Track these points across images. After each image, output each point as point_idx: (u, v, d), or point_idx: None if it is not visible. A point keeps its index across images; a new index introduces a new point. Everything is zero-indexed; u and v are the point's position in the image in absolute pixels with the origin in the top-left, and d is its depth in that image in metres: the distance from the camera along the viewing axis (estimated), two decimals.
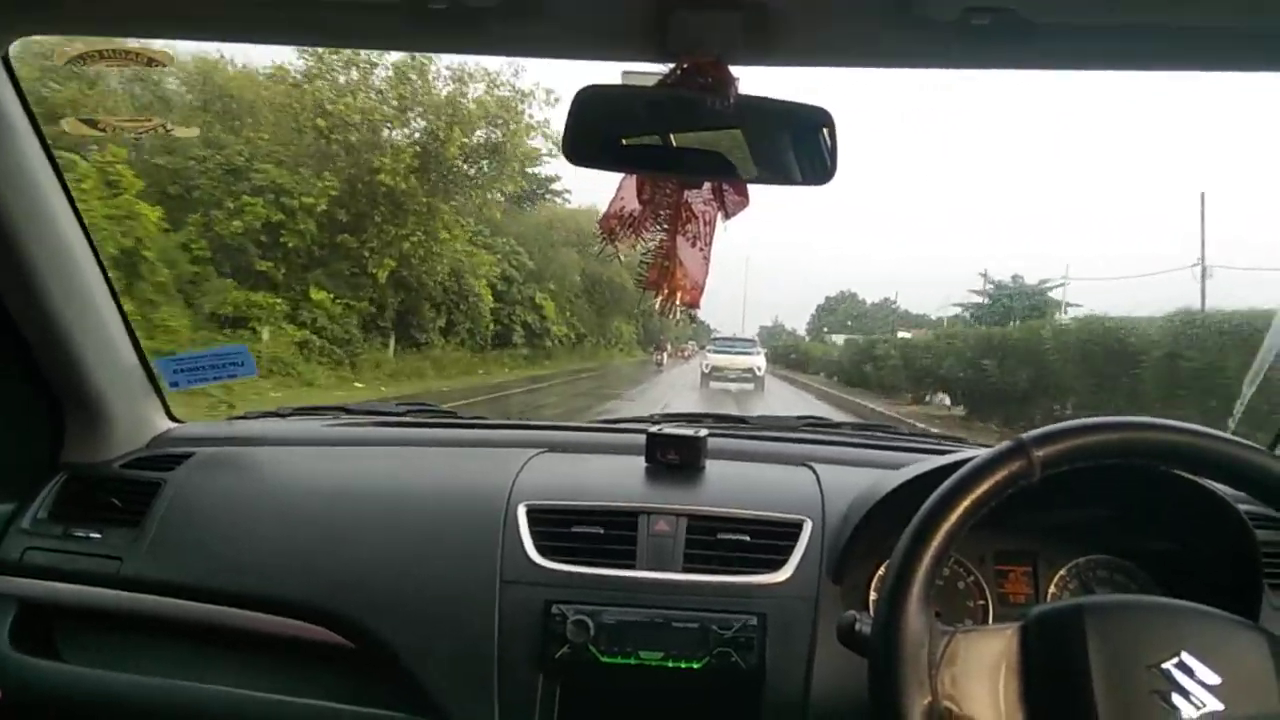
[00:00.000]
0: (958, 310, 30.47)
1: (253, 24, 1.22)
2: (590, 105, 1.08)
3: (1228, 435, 0.91)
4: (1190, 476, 1.15)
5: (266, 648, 1.35)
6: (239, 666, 1.37)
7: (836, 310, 72.92)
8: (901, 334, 27.80)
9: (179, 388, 1.66)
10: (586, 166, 1.13)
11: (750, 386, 21.84)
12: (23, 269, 1.36)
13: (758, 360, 23.79)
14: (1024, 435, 0.90)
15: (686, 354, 39.90)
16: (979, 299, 28.99)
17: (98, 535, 1.44)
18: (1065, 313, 24.83)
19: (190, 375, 1.65)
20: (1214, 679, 0.84)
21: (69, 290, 1.44)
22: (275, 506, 1.46)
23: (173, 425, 1.71)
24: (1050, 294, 27.52)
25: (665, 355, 32.67)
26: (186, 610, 1.36)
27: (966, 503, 0.89)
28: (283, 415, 1.87)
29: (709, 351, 24.76)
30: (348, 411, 1.88)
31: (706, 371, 22.61)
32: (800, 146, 1.12)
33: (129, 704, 1.34)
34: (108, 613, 1.39)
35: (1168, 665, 0.85)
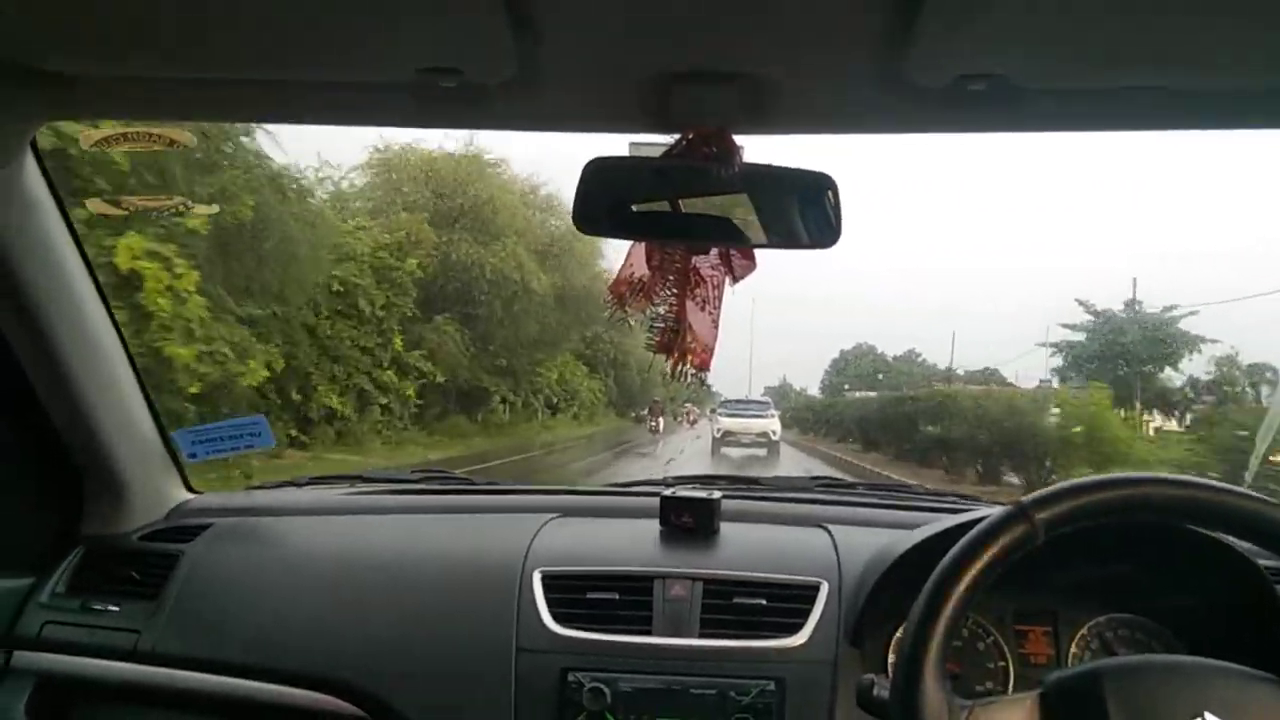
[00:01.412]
0: (1048, 349, 23.35)
1: (269, 105, 1.27)
2: (599, 175, 1.11)
3: (1231, 487, 0.91)
4: (1207, 531, 1.14)
5: (281, 718, 1.34)
6: None
7: (852, 365, 69.67)
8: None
9: (197, 459, 1.68)
10: (596, 235, 1.17)
11: (764, 452, 21.21)
12: (45, 344, 1.40)
13: (772, 424, 23.13)
14: (1024, 499, 0.91)
15: (693, 418, 36.45)
16: (1074, 335, 22.55)
17: (116, 608, 1.45)
18: (1200, 351, 19.95)
19: (208, 446, 1.67)
20: None
21: (91, 364, 1.47)
22: (291, 577, 1.47)
23: (190, 496, 1.73)
24: (1179, 324, 20.78)
25: (661, 420, 27.81)
26: (203, 683, 1.36)
27: (973, 571, 0.89)
28: (299, 485, 1.88)
29: (720, 415, 24.08)
30: (363, 479, 1.89)
31: (718, 436, 22.05)
32: (806, 211, 1.15)
33: None
34: (125, 686, 1.39)
35: None
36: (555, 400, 26.10)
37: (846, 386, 59.18)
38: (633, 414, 35.25)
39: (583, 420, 29.22)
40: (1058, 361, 23.18)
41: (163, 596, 1.44)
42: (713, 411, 28.86)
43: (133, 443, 1.58)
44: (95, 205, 1.46)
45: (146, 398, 1.62)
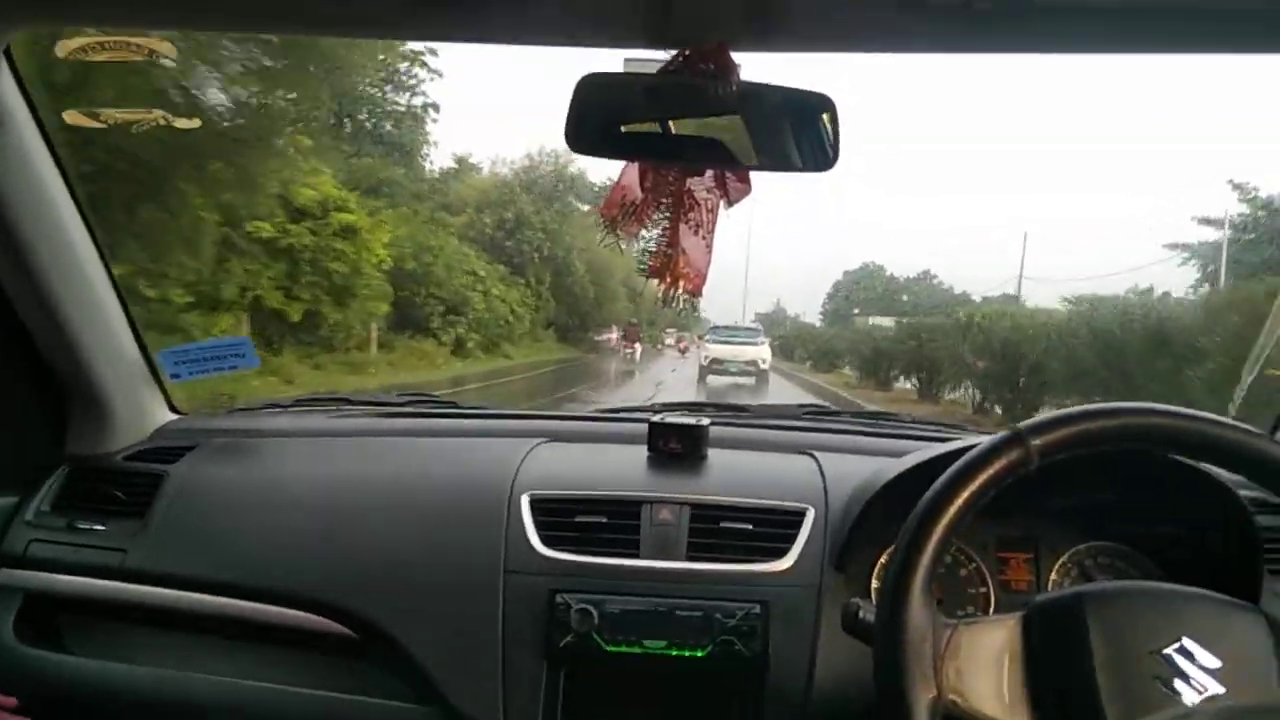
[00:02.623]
0: (1174, 254, 19.00)
1: (252, 14, 1.23)
2: (591, 93, 1.09)
3: (1225, 419, 0.92)
4: (1191, 462, 1.16)
5: (270, 638, 1.37)
6: (243, 657, 1.38)
7: (861, 287, 63.78)
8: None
9: (180, 379, 1.67)
10: (588, 154, 1.14)
11: (752, 381, 20.83)
12: (25, 263, 1.38)
13: (762, 351, 22.65)
14: (1021, 425, 0.92)
15: (684, 345, 33.38)
16: (1217, 232, 18.00)
17: (101, 527, 1.46)
18: None
19: (192, 367, 1.66)
20: (1215, 663, 0.85)
21: (71, 283, 1.45)
22: (278, 498, 1.48)
23: (175, 417, 1.73)
24: None
25: (637, 347, 24.67)
26: (190, 602, 1.37)
27: (965, 494, 0.90)
28: (283, 406, 1.88)
29: (708, 342, 23.47)
30: (349, 402, 1.89)
31: (705, 364, 21.67)
32: (801, 133, 1.13)
33: (134, 695, 1.36)
34: (112, 605, 1.41)
35: (1169, 650, 0.86)
36: (433, 314, 18.24)
37: (856, 311, 54.29)
38: (585, 339, 31.82)
39: (491, 349, 21.22)
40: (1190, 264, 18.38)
41: (148, 516, 1.45)
42: (700, 338, 27.83)
43: (116, 363, 1.58)
44: (72, 117, 1.43)
45: (129, 318, 1.61)
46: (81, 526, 1.46)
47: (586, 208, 30.87)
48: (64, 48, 1.36)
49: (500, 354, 22.21)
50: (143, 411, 1.66)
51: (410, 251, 17.33)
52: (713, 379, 20.52)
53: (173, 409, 1.75)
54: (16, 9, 1.19)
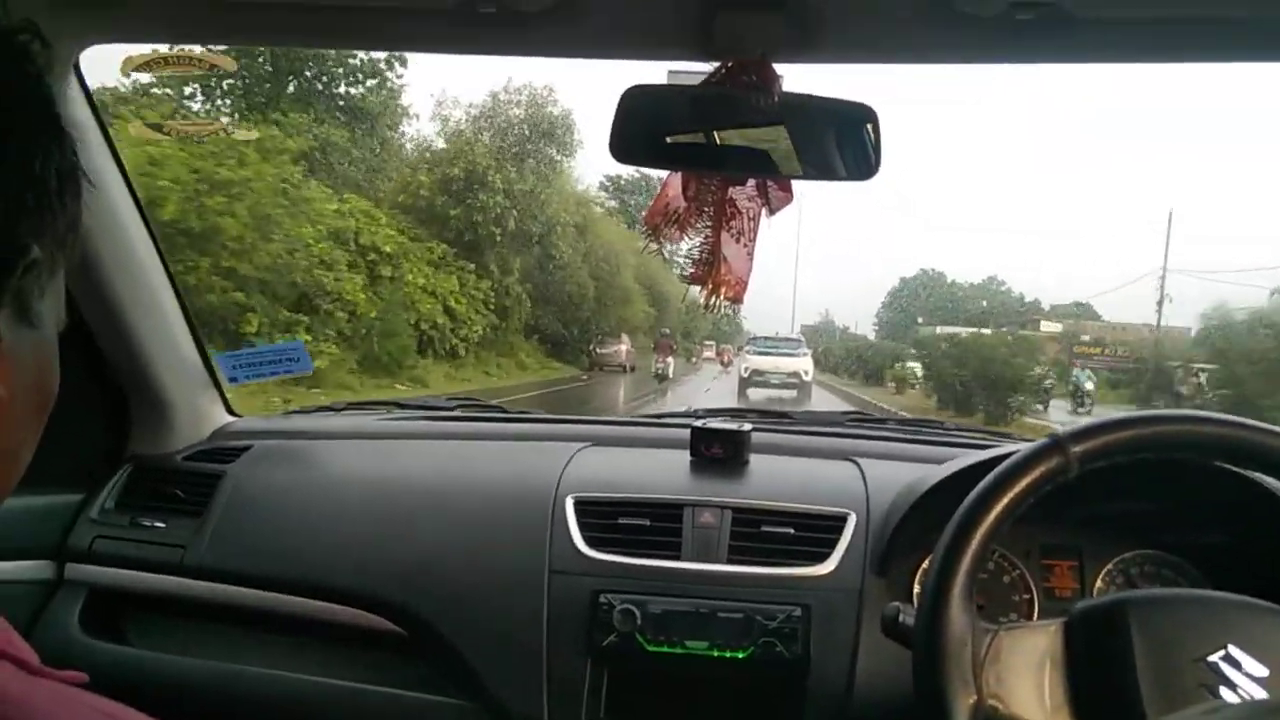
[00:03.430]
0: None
1: (307, 30, 1.29)
2: (636, 104, 1.12)
3: (1263, 425, 0.92)
4: (1239, 470, 1.16)
5: (321, 634, 1.41)
6: (295, 652, 1.43)
7: (922, 295, 59.30)
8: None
9: (238, 383, 1.74)
10: (633, 164, 1.17)
11: (794, 394, 20.28)
12: (91, 267, 1.44)
13: (803, 363, 22.03)
14: (1061, 431, 0.92)
15: (727, 359, 30.98)
16: None
17: (162, 524, 1.52)
18: None
19: (249, 370, 1.72)
20: (1262, 671, 0.85)
21: (134, 287, 1.51)
22: (330, 498, 1.52)
23: (232, 419, 1.79)
24: None
25: (670, 360, 21.92)
26: (245, 597, 1.42)
27: (1005, 500, 0.90)
28: (336, 410, 1.94)
29: (748, 353, 22.96)
30: (400, 406, 1.94)
31: (745, 376, 21.22)
32: (844, 143, 1.15)
33: (193, 687, 1.41)
34: (172, 599, 1.47)
35: (1214, 658, 0.86)
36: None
37: (920, 321, 49.97)
38: (586, 353, 26.89)
39: (397, 367, 15.05)
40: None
41: (207, 514, 1.51)
42: (740, 350, 26.85)
43: (176, 365, 1.64)
44: (137, 129, 1.50)
45: (189, 321, 1.67)
46: (143, 523, 1.52)
47: (575, 166, 26.77)
48: (128, 64, 1.44)
49: (408, 376, 15.25)
50: (202, 413, 1.72)
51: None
52: (753, 392, 20.08)
53: (230, 411, 1.81)
54: (81, 27, 1.25)
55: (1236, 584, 1.04)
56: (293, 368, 1.75)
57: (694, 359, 34.39)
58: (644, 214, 1.25)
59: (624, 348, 26.87)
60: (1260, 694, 0.84)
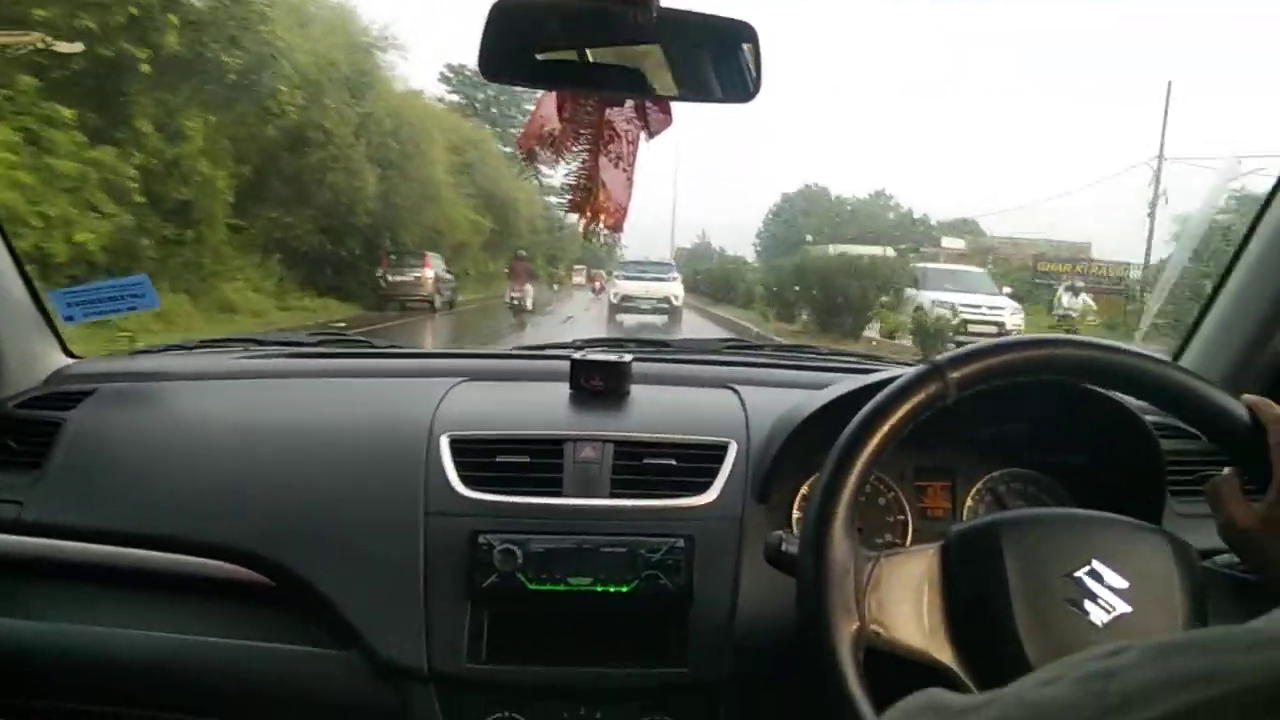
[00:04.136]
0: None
1: None
2: (505, 18, 1.07)
3: (1130, 347, 0.97)
4: (1101, 390, 1.22)
5: (183, 588, 1.35)
6: (157, 609, 1.36)
7: (800, 213, 55.19)
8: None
9: (75, 322, 1.61)
10: (503, 82, 1.13)
11: (665, 319, 20.26)
12: None
13: (674, 288, 21.95)
14: (938, 358, 0.95)
15: (599, 285, 29.33)
16: None
17: None
18: None
19: (87, 308, 1.60)
20: (1122, 583, 0.91)
21: None
22: (185, 443, 1.45)
23: (70, 361, 1.67)
24: None
25: (529, 288, 19.15)
26: (95, 554, 1.34)
27: (885, 428, 0.93)
28: (188, 348, 1.83)
29: (617, 278, 22.61)
30: (257, 343, 1.85)
31: (615, 301, 21.07)
32: (721, 62, 1.12)
33: (39, 651, 1.33)
34: (9, 558, 1.37)
35: (1079, 573, 0.91)
36: None
37: (810, 240, 45.11)
38: (367, 283, 19.75)
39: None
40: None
41: (45, 466, 1.41)
42: (610, 275, 25.93)
43: (1, 306, 1.51)
44: None
45: (14, 257, 1.54)
46: None
47: None
48: None
49: None
50: (34, 356, 1.60)
51: None
52: (623, 318, 20.02)
53: (67, 353, 1.69)
54: None
55: (1098, 500, 1.10)
56: (137, 304, 1.63)
57: (556, 285, 32.85)
58: (517, 136, 1.20)
59: (428, 274, 20.31)
60: (1121, 605, 0.90)
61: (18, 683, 1.33)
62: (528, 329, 16.54)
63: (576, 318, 20.86)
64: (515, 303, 18.75)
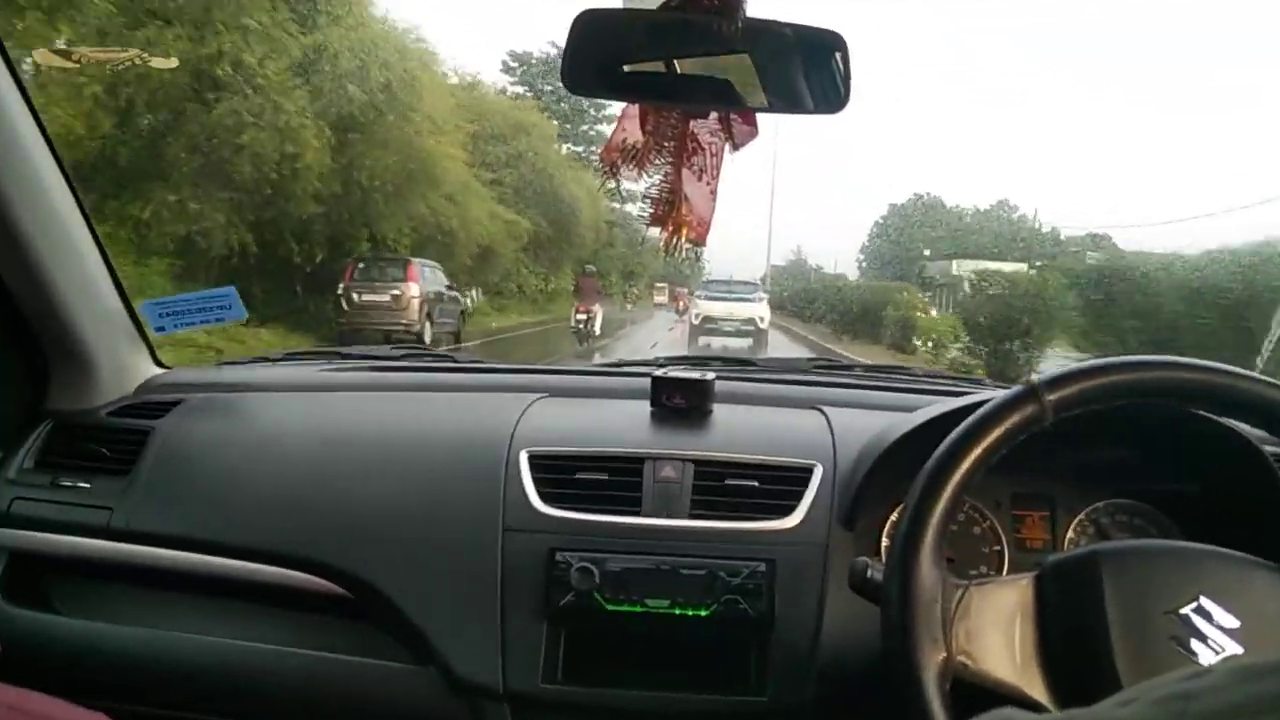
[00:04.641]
0: None
1: None
2: (589, 30, 1.07)
3: (1246, 372, 0.92)
4: (1213, 417, 1.16)
5: (262, 598, 1.38)
6: (235, 617, 1.39)
7: (911, 225, 51.24)
8: None
9: (166, 331, 1.66)
10: (586, 95, 1.13)
11: (748, 343, 19.66)
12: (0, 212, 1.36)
13: (759, 309, 21.10)
14: (1035, 378, 0.91)
15: (682, 303, 27.40)
16: None
17: (86, 485, 1.46)
18: None
19: (177, 319, 1.65)
20: (1233, 622, 0.86)
21: (49, 232, 1.43)
22: (268, 454, 1.48)
23: (159, 371, 1.72)
24: None
25: (598, 309, 17.09)
26: (180, 561, 1.38)
27: (977, 451, 0.90)
28: (273, 360, 1.88)
29: (699, 298, 21.90)
30: (341, 356, 1.89)
31: (696, 323, 20.41)
32: (811, 72, 1.11)
33: (124, 655, 1.37)
34: (100, 564, 1.42)
35: (1185, 610, 0.87)
36: None
37: (927, 254, 41.57)
38: (335, 301, 14.25)
39: None
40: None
41: (134, 473, 1.45)
42: (692, 295, 24.54)
43: (97, 315, 1.57)
44: (43, 56, 1.40)
45: (109, 268, 1.59)
46: (66, 484, 1.46)
47: None
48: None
49: None
50: (126, 365, 1.65)
51: None
52: (705, 340, 19.52)
53: (158, 363, 1.74)
54: None
55: (1209, 533, 1.05)
56: (224, 315, 1.68)
57: (629, 304, 30.63)
58: (600, 151, 1.20)
59: (412, 290, 14.40)
60: (1231, 646, 0.85)
61: (99, 685, 1.37)
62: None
63: (660, 343, 18.53)
64: (581, 326, 16.77)
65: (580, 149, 39.14)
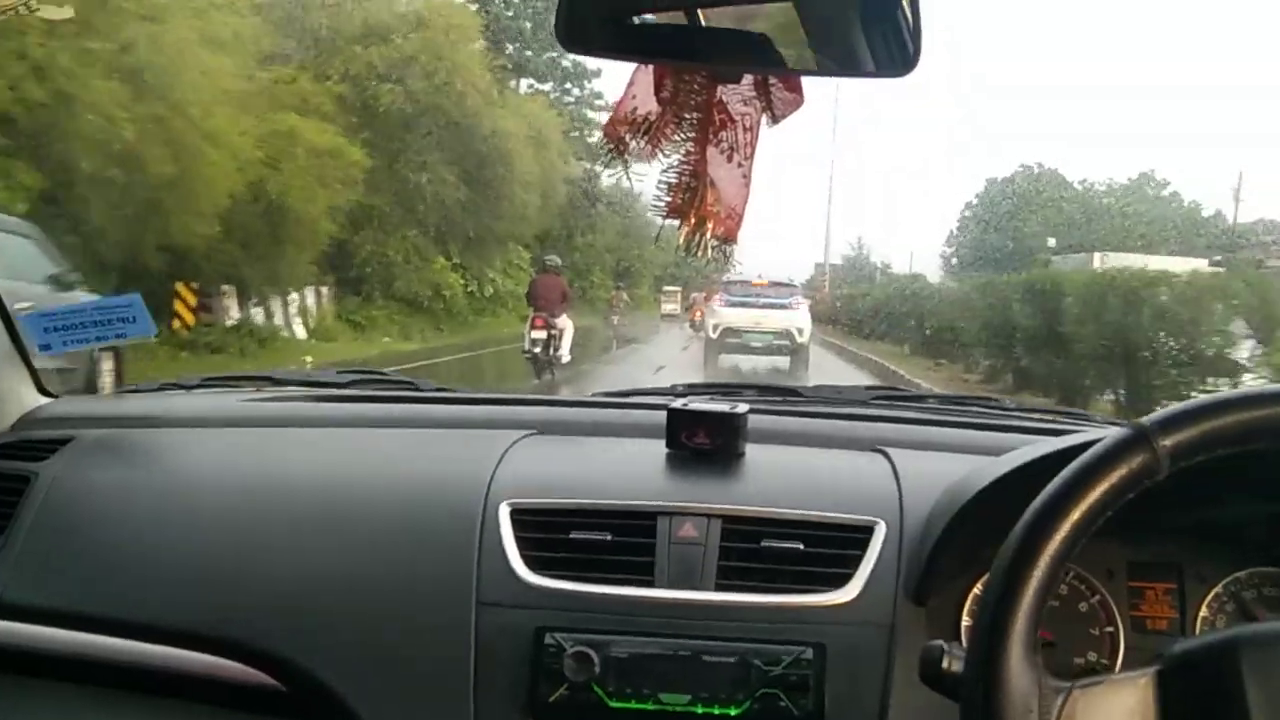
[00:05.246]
0: None
1: None
2: None
3: None
4: None
5: (172, 690, 1.37)
6: (139, 714, 1.39)
7: (1023, 209, 47.46)
8: None
9: (52, 351, 1.67)
10: (587, 53, 1.13)
11: (784, 360, 19.21)
12: None
13: (796, 318, 20.16)
14: (1145, 420, 0.90)
15: (698, 316, 25.06)
16: None
17: None
18: None
19: (67, 335, 1.66)
20: None
21: None
22: (180, 506, 1.47)
23: (45, 401, 1.73)
24: None
25: (560, 325, 14.78)
26: (68, 643, 1.37)
27: (1079, 510, 0.89)
28: (187, 387, 1.88)
29: (717, 305, 20.84)
30: (274, 381, 1.89)
31: (714, 337, 19.75)
32: (871, 24, 1.11)
33: None
34: None
35: None
36: None
37: (1051, 244, 37.88)
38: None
39: None
40: None
41: (10, 530, 1.45)
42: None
43: None
44: None
45: None
46: None
47: None
48: None
49: None
50: (2, 393, 1.65)
51: None
52: (725, 359, 19.03)
53: (42, 390, 1.75)
54: None
55: None
56: (126, 330, 1.68)
57: (616, 313, 25.22)
58: (603, 125, 1.21)
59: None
60: None
61: None
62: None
63: (668, 365, 17.87)
64: (537, 350, 14.47)
65: (548, 88, 36.61)
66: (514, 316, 20.76)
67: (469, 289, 26.42)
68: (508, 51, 33.40)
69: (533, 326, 14.80)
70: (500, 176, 24.59)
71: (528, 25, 35.67)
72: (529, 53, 36.56)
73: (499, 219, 25.46)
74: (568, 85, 37.73)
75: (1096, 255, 26.80)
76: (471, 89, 23.44)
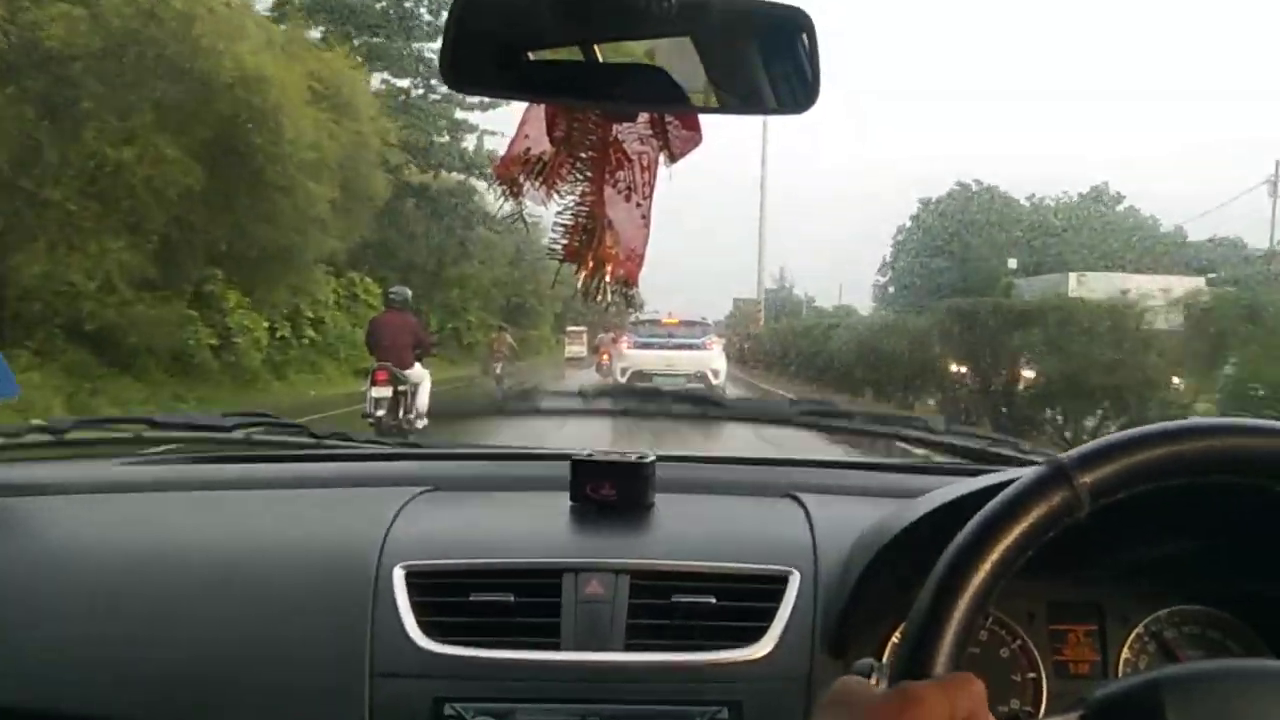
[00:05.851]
0: None
1: None
2: (480, 7, 1.07)
3: None
4: None
5: None
6: None
7: (964, 228, 45.74)
8: None
9: None
10: (477, 92, 1.12)
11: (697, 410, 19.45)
12: None
13: (710, 358, 20.52)
14: (1062, 456, 0.90)
15: (605, 359, 23.93)
16: None
17: None
18: None
19: None
20: None
21: None
22: (56, 581, 1.42)
23: None
24: None
25: (412, 372, 11.66)
26: None
27: (997, 552, 0.88)
28: (58, 431, 1.78)
29: (626, 348, 20.88)
30: (153, 424, 1.82)
31: (623, 380, 19.67)
32: (771, 60, 1.11)
33: None
34: None
35: None
36: None
37: (1012, 266, 37.23)
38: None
39: None
40: None
41: None
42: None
43: None
44: None
45: None
46: None
47: None
48: None
49: None
50: None
51: None
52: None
53: None
54: None
55: None
56: None
57: (497, 361, 20.55)
58: (495, 165, 1.20)
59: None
60: None
61: None
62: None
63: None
64: (381, 412, 11.92)
65: (405, 84, 31.39)
66: (346, 370, 17.72)
67: (279, 334, 20.28)
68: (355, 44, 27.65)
69: (374, 382, 12.05)
70: (259, 151, 16.48)
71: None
72: (377, 36, 30.11)
73: (269, 221, 17.26)
74: (433, 82, 31.20)
75: (1073, 276, 25.32)
76: (201, 7, 15.23)
